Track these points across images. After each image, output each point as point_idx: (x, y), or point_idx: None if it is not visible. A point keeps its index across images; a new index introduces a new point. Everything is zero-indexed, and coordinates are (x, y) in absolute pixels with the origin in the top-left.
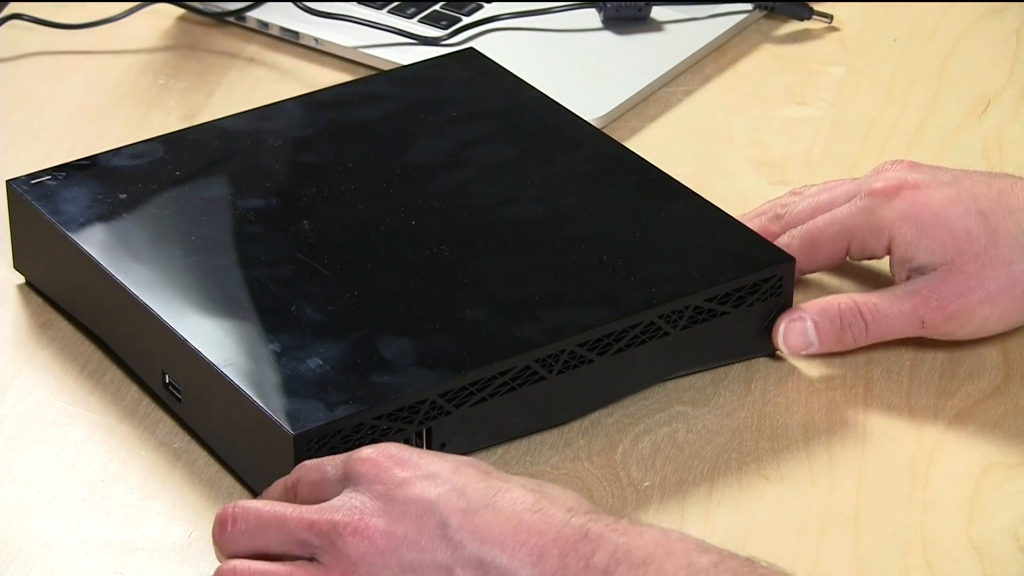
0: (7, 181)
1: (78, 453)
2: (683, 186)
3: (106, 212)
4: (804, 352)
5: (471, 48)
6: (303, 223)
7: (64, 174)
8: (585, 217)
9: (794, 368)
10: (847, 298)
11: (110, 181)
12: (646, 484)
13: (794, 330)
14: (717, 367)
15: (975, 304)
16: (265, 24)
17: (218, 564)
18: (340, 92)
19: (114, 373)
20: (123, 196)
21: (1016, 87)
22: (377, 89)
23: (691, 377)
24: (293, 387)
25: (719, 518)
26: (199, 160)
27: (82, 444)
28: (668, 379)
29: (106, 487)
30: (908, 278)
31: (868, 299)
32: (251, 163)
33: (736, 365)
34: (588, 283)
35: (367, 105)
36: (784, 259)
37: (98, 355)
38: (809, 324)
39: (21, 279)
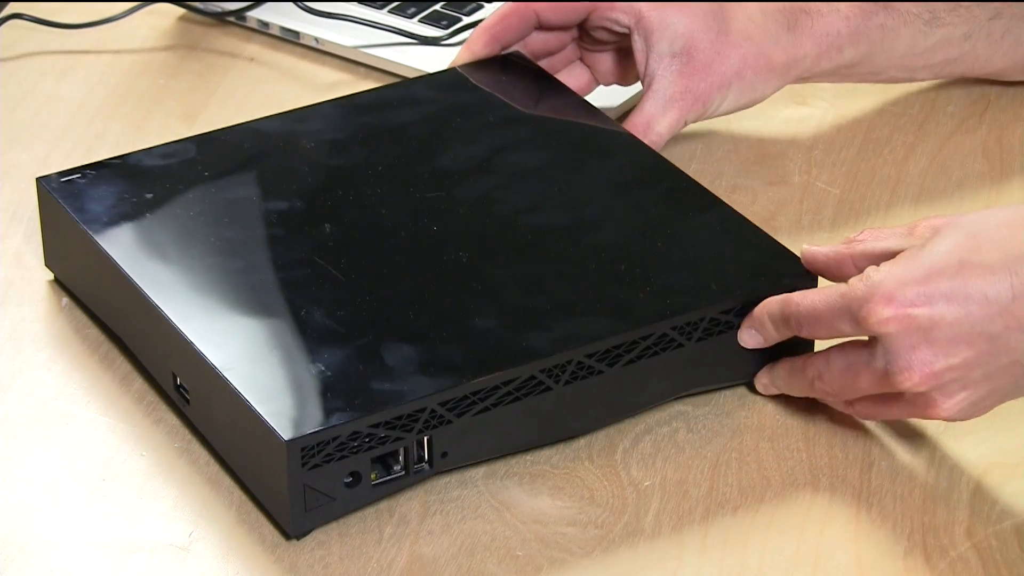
0: (37, 179)
1: (78, 453)
2: (713, 195)
3: (129, 211)
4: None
5: (516, 51)
6: (324, 227)
7: (94, 172)
8: (609, 225)
9: None
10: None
11: (139, 180)
12: (646, 484)
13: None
14: (735, 386)
15: (714, 87)
16: (265, 24)
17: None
18: (378, 95)
19: (114, 373)
20: (149, 196)
21: (1016, 87)
22: (416, 92)
23: None
24: (293, 392)
25: (719, 518)
26: (229, 161)
27: (82, 444)
28: (684, 396)
29: (106, 487)
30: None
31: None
32: (280, 165)
33: None
34: (603, 293)
35: (404, 109)
36: (802, 272)
37: (99, 355)
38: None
39: (51, 276)
